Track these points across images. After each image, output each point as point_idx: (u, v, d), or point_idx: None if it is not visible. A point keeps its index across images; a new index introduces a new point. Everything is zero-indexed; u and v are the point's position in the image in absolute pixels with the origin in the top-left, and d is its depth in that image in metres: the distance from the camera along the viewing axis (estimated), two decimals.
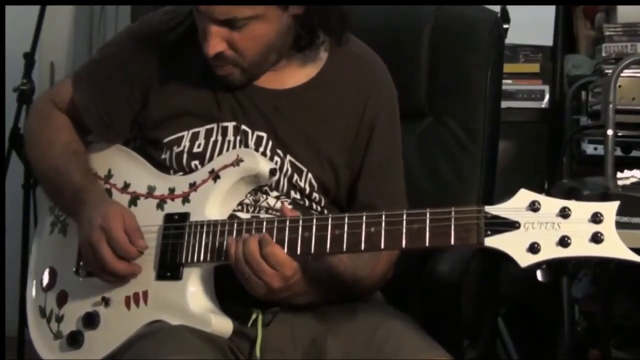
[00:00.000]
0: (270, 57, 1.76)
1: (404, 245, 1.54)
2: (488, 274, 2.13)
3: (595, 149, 2.54)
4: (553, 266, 2.39)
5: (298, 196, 1.80)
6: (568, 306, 2.59)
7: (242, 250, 1.62)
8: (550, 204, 1.45)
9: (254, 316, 1.74)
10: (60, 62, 3.59)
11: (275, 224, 1.64)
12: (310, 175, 1.80)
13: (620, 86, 2.27)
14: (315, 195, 1.81)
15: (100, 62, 1.92)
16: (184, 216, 1.75)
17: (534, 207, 1.45)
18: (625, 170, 1.62)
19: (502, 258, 1.45)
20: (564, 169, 2.68)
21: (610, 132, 2.12)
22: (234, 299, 1.71)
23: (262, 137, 1.80)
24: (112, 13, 3.53)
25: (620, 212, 1.44)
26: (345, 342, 1.68)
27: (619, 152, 2.37)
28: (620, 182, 1.61)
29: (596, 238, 1.41)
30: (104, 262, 1.72)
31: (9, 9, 3.20)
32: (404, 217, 1.54)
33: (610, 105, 2.13)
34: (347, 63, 1.85)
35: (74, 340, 1.78)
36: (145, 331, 1.70)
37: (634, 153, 2.48)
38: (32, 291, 1.90)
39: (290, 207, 1.72)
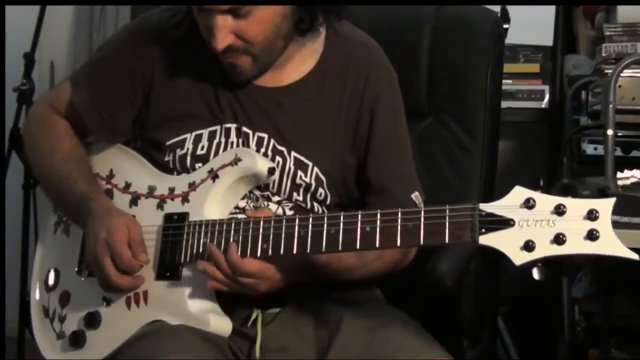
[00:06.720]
0: (278, 42, 1.74)
1: (399, 244, 1.54)
2: (488, 273, 2.13)
3: (595, 149, 2.54)
4: (550, 264, 2.38)
5: (300, 198, 1.79)
6: (568, 306, 2.59)
7: (222, 275, 1.65)
8: (545, 201, 1.44)
9: (253, 316, 1.75)
10: (60, 62, 3.59)
11: (272, 222, 1.64)
12: (316, 169, 1.79)
13: (620, 86, 2.27)
14: (320, 191, 1.80)
15: (100, 62, 1.90)
16: (183, 216, 1.74)
17: (528, 204, 1.44)
18: (625, 170, 1.62)
19: (501, 257, 1.44)
20: (564, 169, 2.68)
21: (610, 132, 2.12)
22: (234, 299, 1.71)
23: (263, 138, 1.79)
24: (112, 13, 3.52)
25: (620, 212, 1.44)
26: (345, 341, 1.69)
27: (619, 152, 2.36)
28: (620, 182, 1.60)
29: (591, 235, 1.40)
30: (107, 278, 1.72)
31: (9, 9, 3.20)
32: (399, 215, 1.54)
33: (610, 105, 2.13)
34: (344, 49, 1.83)
35: (76, 341, 1.78)
36: (145, 331, 1.71)
37: (634, 153, 2.48)
38: (37, 291, 1.90)
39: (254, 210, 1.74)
